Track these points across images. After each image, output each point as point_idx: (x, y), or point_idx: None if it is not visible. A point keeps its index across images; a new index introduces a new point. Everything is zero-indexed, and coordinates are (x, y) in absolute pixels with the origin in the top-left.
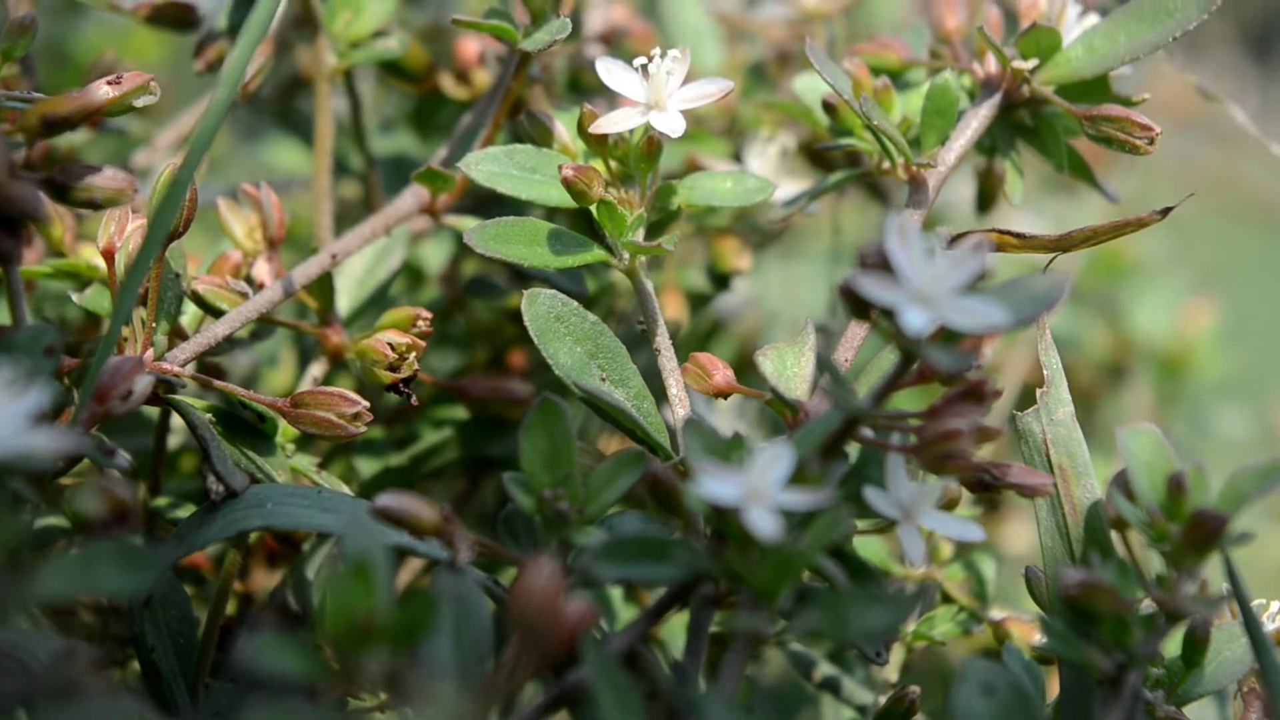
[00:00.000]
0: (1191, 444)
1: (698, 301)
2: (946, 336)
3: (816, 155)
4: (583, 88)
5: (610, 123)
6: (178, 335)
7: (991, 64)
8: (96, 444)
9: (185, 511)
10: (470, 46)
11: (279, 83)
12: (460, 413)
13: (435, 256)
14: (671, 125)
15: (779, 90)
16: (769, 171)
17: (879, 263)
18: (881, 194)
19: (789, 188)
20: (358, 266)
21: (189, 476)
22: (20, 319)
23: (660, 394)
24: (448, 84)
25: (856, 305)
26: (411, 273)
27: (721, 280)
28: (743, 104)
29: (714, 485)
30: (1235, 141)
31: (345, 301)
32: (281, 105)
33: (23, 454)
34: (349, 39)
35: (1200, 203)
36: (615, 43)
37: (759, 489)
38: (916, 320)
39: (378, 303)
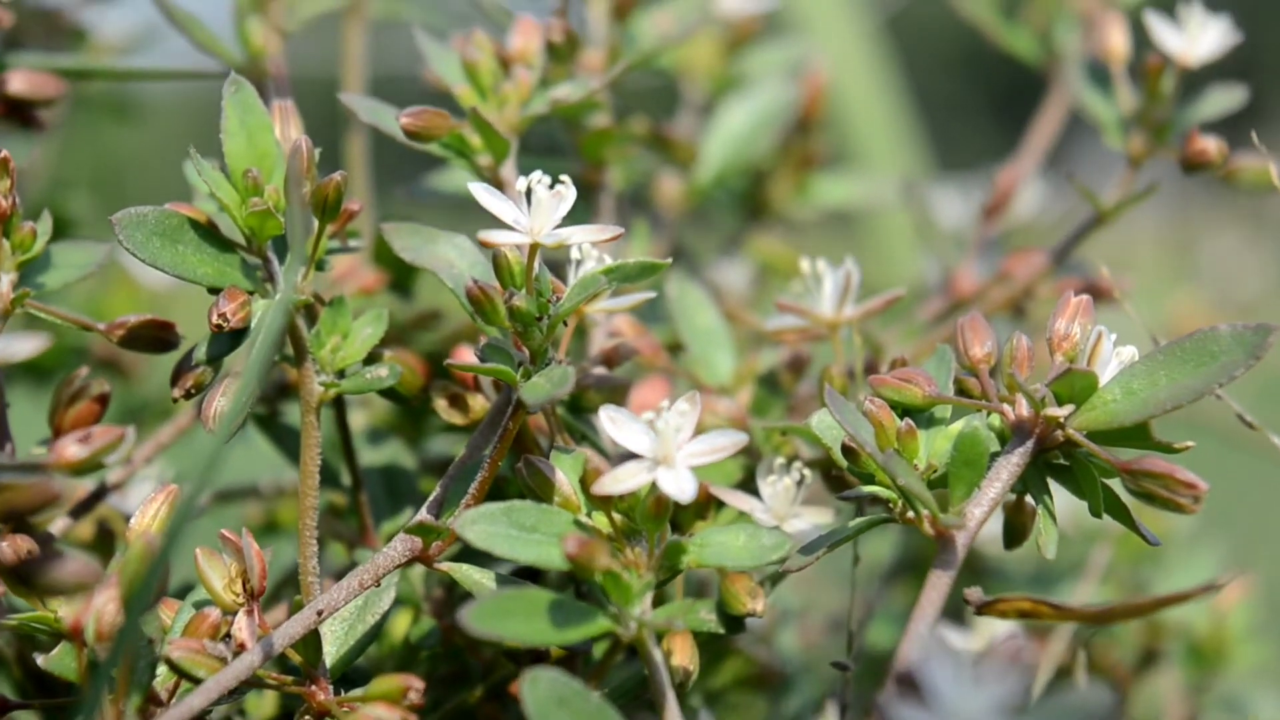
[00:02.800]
0: None
1: (708, 641)
2: None
3: (835, 481)
4: (585, 409)
5: (615, 482)
6: (152, 702)
7: (1023, 407)
8: None
9: None
10: (464, 356)
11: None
12: None
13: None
14: (682, 487)
15: (793, 397)
16: (783, 504)
17: (911, 682)
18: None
19: (805, 519)
20: (346, 608)
21: None
22: None
23: None
24: (441, 407)
25: None
26: (401, 600)
27: (734, 622)
28: (755, 416)
29: None
30: None
31: (333, 651)
32: (265, 413)
33: None
34: (337, 366)
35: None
36: (620, 361)
37: None
38: None
39: (367, 647)
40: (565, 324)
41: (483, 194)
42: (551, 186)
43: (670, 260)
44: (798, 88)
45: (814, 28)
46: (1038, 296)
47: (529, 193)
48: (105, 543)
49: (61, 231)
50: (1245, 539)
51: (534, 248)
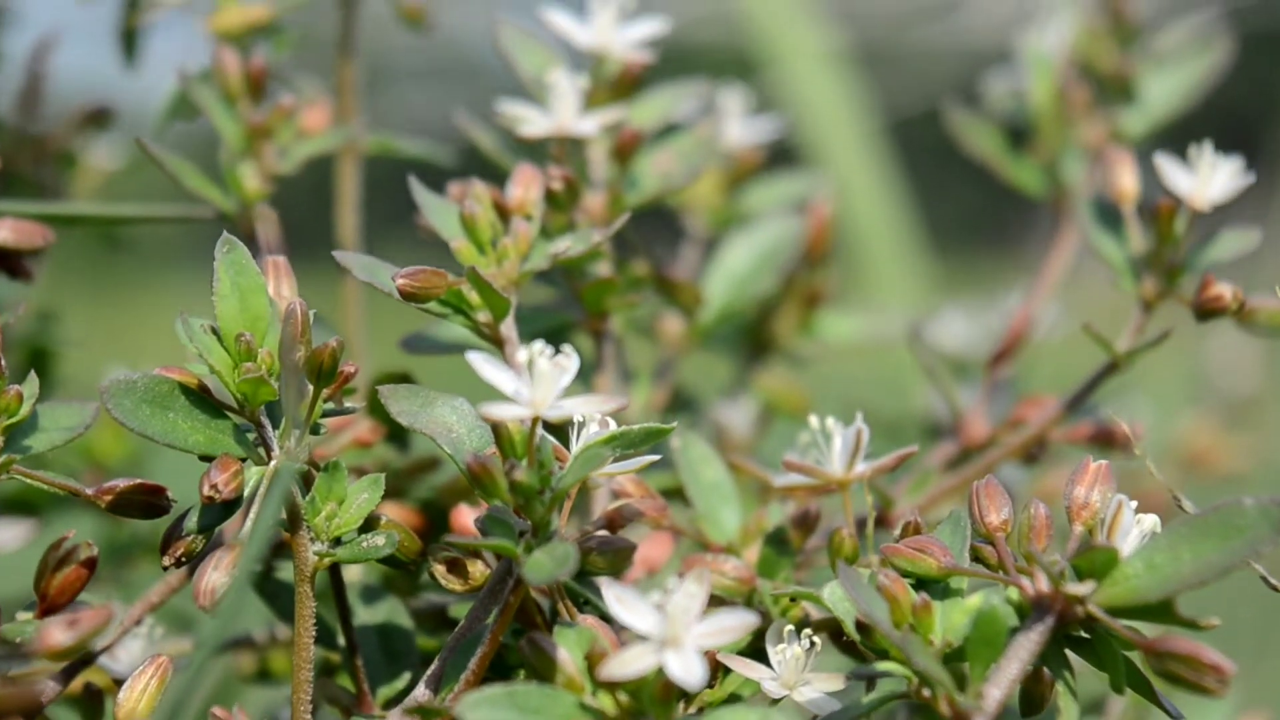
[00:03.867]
0: None
1: None
2: None
3: (847, 647)
4: (588, 572)
5: (622, 666)
6: None
7: (1042, 582)
8: None
9: None
10: (464, 520)
11: None
12: None
13: None
14: (690, 672)
15: (802, 553)
16: (793, 672)
17: None
18: None
19: (815, 687)
20: None
21: None
22: None
23: None
24: (440, 573)
25: None
26: None
27: None
28: (763, 576)
29: None
30: None
31: None
32: (261, 575)
33: None
34: (332, 533)
35: None
36: (625, 524)
37: None
38: None
39: None
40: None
41: (482, 365)
42: (557, 349)
43: (675, 424)
44: (803, 221)
45: (820, 148)
46: (1050, 440)
47: (530, 363)
48: (93, 703)
49: (48, 370)
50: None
51: (536, 420)
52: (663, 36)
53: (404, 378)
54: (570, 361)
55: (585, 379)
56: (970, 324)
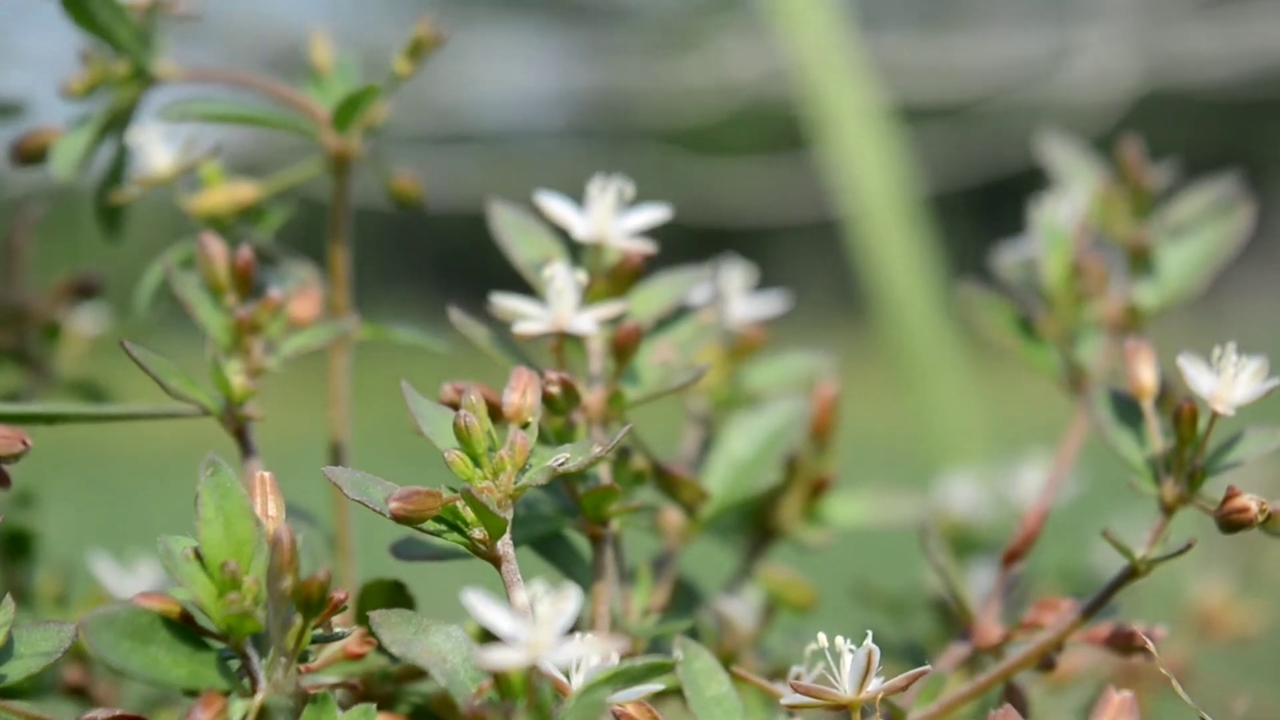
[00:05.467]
0: None
1: None
2: None
3: None
4: None
5: None
6: None
7: None
8: None
9: None
10: None
11: None
12: None
13: None
14: None
15: None
16: None
17: None
18: None
19: None
20: None
21: None
22: None
23: None
24: None
25: None
26: None
27: None
28: None
29: None
30: None
31: None
32: None
33: None
34: None
35: None
36: None
37: None
38: None
39: None
40: None
41: (478, 607)
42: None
43: (676, 658)
44: (808, 403)
45: (862, 213)
46: (1066, 644)
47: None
48: None
49: (28, 551)
50: None
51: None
52: (662, 221)
53: (396, 588)
54: (571, 604)
55: (585, 585)
56: (977, 490)
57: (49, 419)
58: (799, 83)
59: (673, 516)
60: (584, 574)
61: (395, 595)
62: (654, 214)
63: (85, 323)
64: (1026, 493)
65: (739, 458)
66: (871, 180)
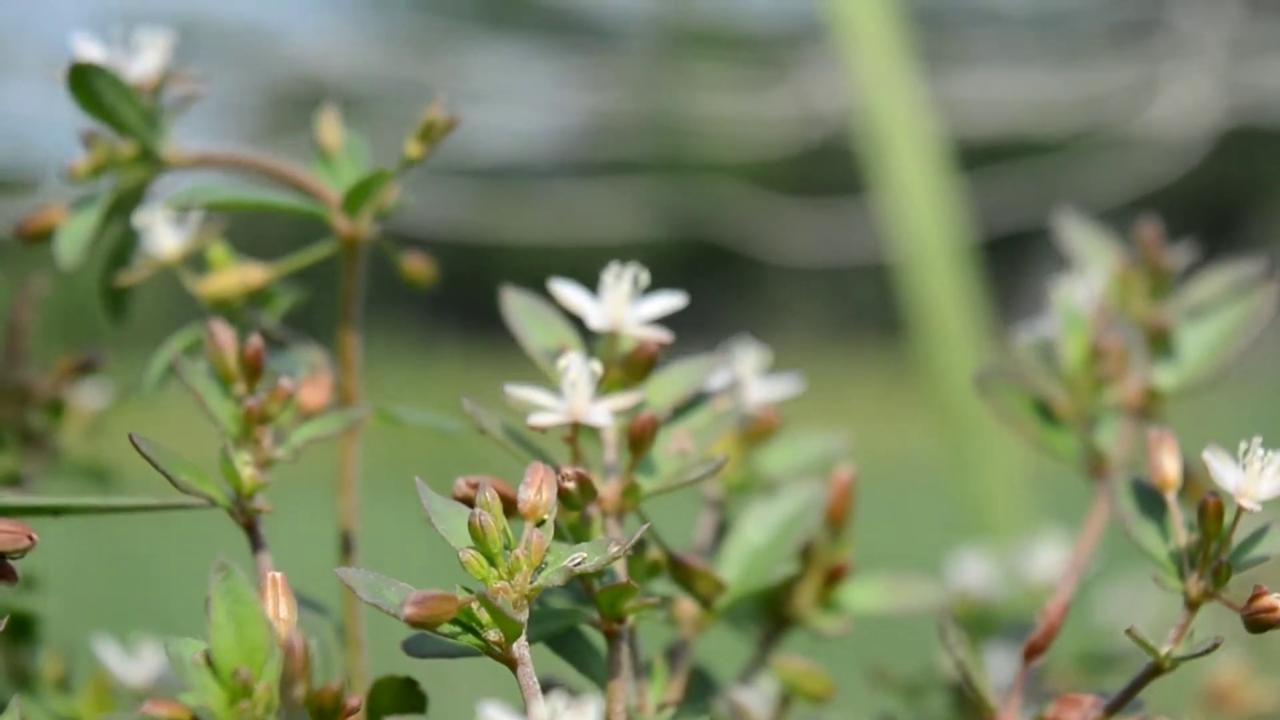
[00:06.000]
0: None
1: None
2: None
3: None
4: None
5: None
6: None
7: None
8: None
9: None
10: None
11: None
12: None
13: None
14: None
15: None
16: None
17: None
18: None
19: None
20: None
21: None
22: None
23: None
24: None
25: None
26: None
27: None
28: None
29: None
30: None
31: None
32: None
33: None
34: None
35: None
36: None
37: None
38: None
39: None
40: None
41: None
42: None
43: None
44: (824, 488)
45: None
46: None
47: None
48: None
49: (30, 634)
50: None
51: None
52: (681, 307)
53: (408, 685)
54: (589, 717)
55: (599, 680)
56: (991, 565)
57: (55, 511)
58: (861, 120)
59: (688, 606)
60: (598, 668)
61: (407, 693)
62: (668, 302)
63: (89, 398)
64: (1043, 570)
65: (755, 546)
66: (925, 224)
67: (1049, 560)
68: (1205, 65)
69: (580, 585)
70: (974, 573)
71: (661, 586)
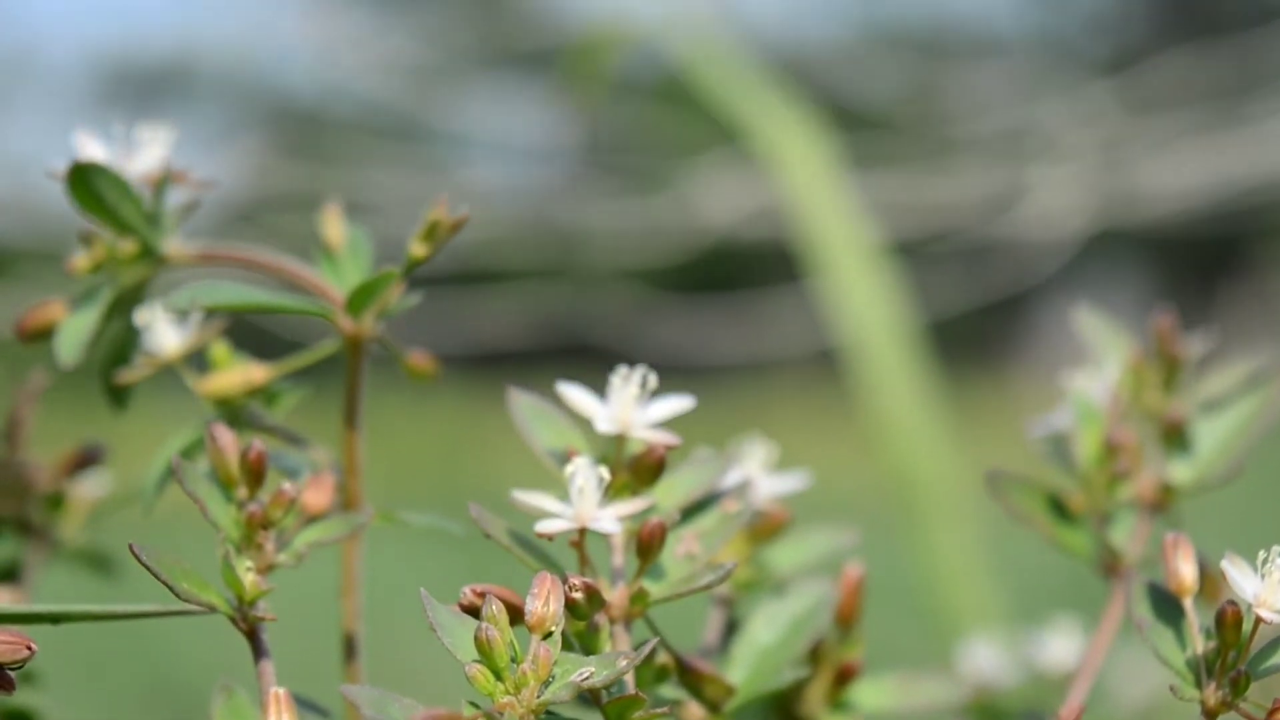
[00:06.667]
0: None
1: None
2: None
3: None
4: None
5: None
6: None
7: None
8: None
9: None
10: None
11: None
12: None
13: None
14: None
15: None
16: None
17: None
18: None
19: None
20: None
21: None
22: None
23: None
24: None
25: None
26: None
27: None
28: None
29: None
30: None
31: None
32: None
33: None
34: None
35: None
36: None
37: None
38: None
39: None
40: None
41: None
42: None
43: None
44: (833, 587)
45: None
46: None
47: None
48: None
49: None
50: None
51: None
52: (690, 409)
53: None
54: None
55: None
56: (998, 656)
57: (54, 619)
58: (791, 220)
59: (695, 710)
60: None
61: None
62: (678, 404)
63: (89, 489)
64: (1053, 660)
65: (764, 645)
66: (866, 312)
67: (1060, 649)
68: (1075, 169)
69: (588, 694)
70: (983, 662)
71: (669, 691)
